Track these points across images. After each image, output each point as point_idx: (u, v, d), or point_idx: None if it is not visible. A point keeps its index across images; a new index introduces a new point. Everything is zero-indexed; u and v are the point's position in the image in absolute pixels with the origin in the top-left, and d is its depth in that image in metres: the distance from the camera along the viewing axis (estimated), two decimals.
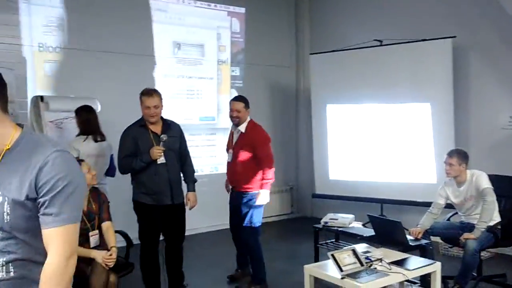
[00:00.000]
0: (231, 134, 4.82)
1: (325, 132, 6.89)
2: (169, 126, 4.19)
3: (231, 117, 4.65)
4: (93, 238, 3.68)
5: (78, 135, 4.56)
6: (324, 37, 7.68)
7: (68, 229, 1.45)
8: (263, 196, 4.55)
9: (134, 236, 4.20)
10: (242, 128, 4.66)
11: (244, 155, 4.60)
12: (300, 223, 7.57)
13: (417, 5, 6.44)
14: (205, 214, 6.35)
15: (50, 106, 5.02)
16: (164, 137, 4.04)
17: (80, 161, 3.75)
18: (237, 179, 4.65)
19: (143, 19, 6.49)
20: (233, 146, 4.68)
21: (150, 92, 4.07)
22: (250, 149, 4.58)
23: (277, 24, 7.94)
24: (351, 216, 4.93)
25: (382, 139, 6.34)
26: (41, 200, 1.43)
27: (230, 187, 4.80)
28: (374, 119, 6.41)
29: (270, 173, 4.58)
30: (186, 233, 4.43)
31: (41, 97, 5.05)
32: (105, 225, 3.75)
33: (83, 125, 4.57)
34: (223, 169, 4.98)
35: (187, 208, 4.34)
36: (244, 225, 4.61)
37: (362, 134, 6.52)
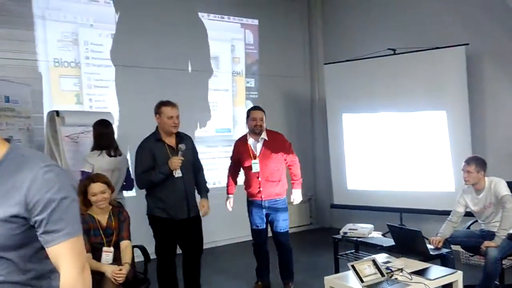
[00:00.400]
0: (246, 146, 4.75)
1: (341, 142, 6.88)
2: (183, 139, 4.20)
3: (255, 126, 4.64)
4: (106, 254, 3.59)
5: (93, 149, 4.55)
6: (337, 46, 7.69)
7: (75, 242, 1.42)
8: (299, 195, 4.84)
9: (152, 250, 4.20)
10: (265, 136, 4.72)
11: (274, 162, 4.69)
12: (319, 234, 7.54)
13: (430, 14, 6.43)
14: (223, 227, 6.36)
15: (66, 121, 5.06)
16: (182, 146, 4.05)
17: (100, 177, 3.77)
18: (269, 187, 4.68)
19: (158, 33, 6.55)
20: (259, 156, 4.67)
21: (172, 103, 4.12)
22: (278, 155, 4.69)
23: (291, 35, 7.98)
24: (370, 226, 4.89)
25: (399, 148, 6.30)
26: (38, 218, 1.37)
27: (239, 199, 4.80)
28: (390, 127, 6.38)
29: (300, 172, 4.86)
30: (204, 247, 4.43)
31: (57, 112, 5.08)
32: (124, 243, 3.67)
33: (97, 139, 4.55)
34: (240, 181, 4.97)
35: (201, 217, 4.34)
36: (283, 230, 4.74)
37: (379, 143, 6.50)
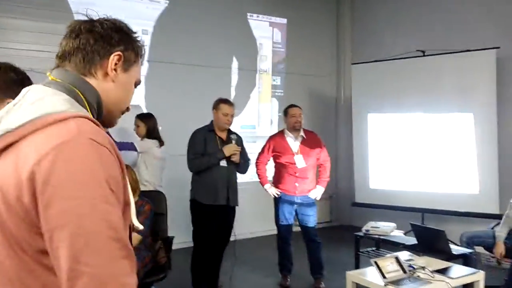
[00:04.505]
0: (284, 142, 4.91)
1: (365, 141, 6.92)
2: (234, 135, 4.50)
3: (295, 122, 4.85)
4: None
5: (143, 138, 4.96)
6: (365, 47, 7.72)
7: None
8: (320, 192, 4.95)
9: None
10: (303, 134, 4.95)
11: (310, 160, 4.88)
12: (339, 231, 7.59)
13: (460, 16, 6.42)
14: (244, 221, 6.43)
15: None
16: (233, 136, 4.40)
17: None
18: (304, 183, 4.86)
19: (189, 30, 6.67)
20: (297, 153, 4.83)
21: (230, 102, 4.48)
22: (314, 153, 4.90)
23: (319, 34, 8.04)
24: (392, 224, 4.94)
25: (423, 148, 6.32)
26: None
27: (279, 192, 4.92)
28: (416, 128, 6.40)
29: (329, 172, 5.04)
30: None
31: None
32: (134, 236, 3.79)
33: (150, 131, 4.95)
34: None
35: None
36: (313, 225, 4.91)
37: (403, 143, 6.52)
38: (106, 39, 1.14)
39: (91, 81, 1.14)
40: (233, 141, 4.36)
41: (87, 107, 1.11)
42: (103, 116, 1.18)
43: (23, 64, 5.03)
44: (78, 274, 0.89)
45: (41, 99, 1.04)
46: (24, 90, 1.09)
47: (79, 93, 1.10)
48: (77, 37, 1.13)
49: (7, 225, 0.97)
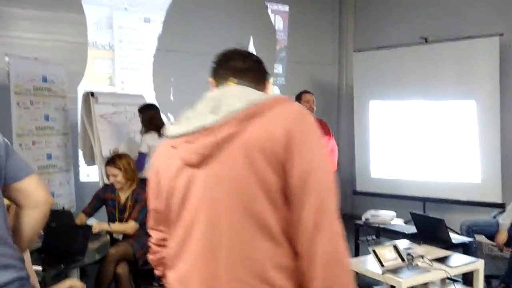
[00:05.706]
0: None
1: (367, 129, 6.89)
2: None
3: (309, 108, 4.84)
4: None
5: (147, 131, 4.67)
6: (368, 34, 7.65)
7: None
8: None
9: None
10: None
11: None
12: (340, 219, 7.58)
13: (464, 3, 6.34)
14: None
15: (99, 101, 5.20)
16: None
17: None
18: None
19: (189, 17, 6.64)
20: None
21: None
22: (324, 140, 4.77)
23: (321, 21, 7.96)
24: (392, 213, 4.93)
25: (425, 136, 6.27)
26: None
27: None
28: (418, 115, 6.35)
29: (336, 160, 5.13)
30: None
31: (92, 93, 5.23)
32: (128, 222, 3.78)
33: (148, 122, 4.70)
34: None
35: None
36: None
37: (405, 131, 6.48)
38: (262, 66, 1.55)
39: None
40: None
41: None
42: None
43: (27, 52, 5.07)
44: (324, 199, 1.32)
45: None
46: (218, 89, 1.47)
47: None
48: (246, 60, 1.53)
49: (259, 169, 1.28)
